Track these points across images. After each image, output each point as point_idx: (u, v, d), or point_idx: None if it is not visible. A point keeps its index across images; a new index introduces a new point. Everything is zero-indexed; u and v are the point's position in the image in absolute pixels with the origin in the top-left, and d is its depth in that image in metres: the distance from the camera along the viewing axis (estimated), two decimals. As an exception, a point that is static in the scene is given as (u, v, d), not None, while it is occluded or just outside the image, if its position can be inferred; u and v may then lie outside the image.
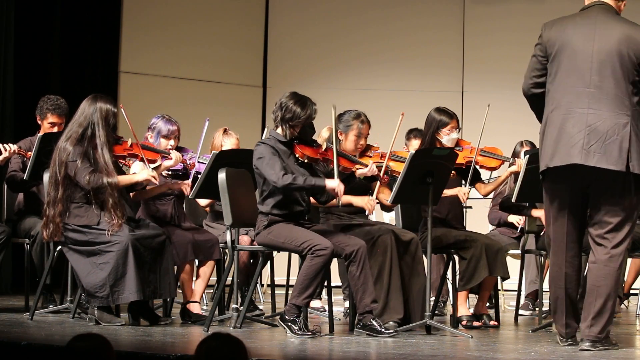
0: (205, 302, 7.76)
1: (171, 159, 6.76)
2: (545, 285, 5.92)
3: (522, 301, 7.84)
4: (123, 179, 6.48)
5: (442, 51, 11.33)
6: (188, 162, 6.93)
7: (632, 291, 8.52)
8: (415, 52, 11.32)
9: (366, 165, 6.36)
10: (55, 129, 7.37)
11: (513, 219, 7.96)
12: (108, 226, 6.31)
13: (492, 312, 7.15)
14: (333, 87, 10.91)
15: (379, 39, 11.35)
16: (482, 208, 8.71)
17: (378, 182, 6.54)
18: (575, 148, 5.47)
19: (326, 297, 6.69)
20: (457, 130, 6.87)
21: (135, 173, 6.67)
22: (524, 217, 7.58)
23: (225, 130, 7.52)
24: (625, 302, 8.43)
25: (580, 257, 5.67)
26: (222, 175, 6.26)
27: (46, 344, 5.33)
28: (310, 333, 5.96)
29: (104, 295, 6.28)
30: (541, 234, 7.13)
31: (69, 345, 3.48)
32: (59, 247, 6.64)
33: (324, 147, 6.27)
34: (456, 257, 6.79)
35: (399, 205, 7.22)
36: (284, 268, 8.36)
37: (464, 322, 6.80)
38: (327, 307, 6.60)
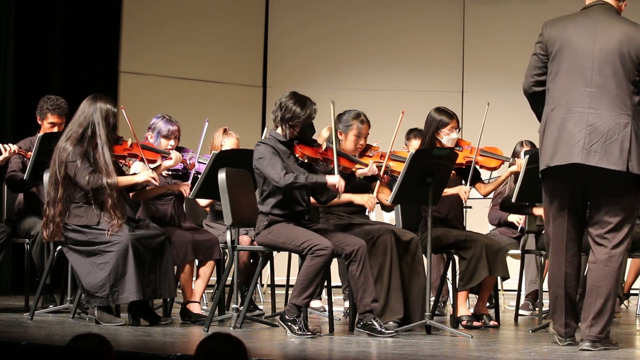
0: (205, 302, 7.76)
1: (171, 159, 6.76)
2: (545, 286, 5.91)
3: (522, 301, 7.83)
4: (123, 180, 6.48)
5: (442, 51, 11.33)
6: (188, 162, 6.93)
7: (632, 291, 8.52)
8: (415, 52, 11.32)
9: (366, 165, 6.35)
10: (55, 129, 7.36)
11: (513, 218, 7.95)
12: (108, 226, 6.31)
13: (492, 312, 7.14)
14: (333, 87, 10.90)
15: (379, 39, 11.34)
16: (482, 208, 8.71)
17: (378, 182, 6.54)
18: (576, 147, 5.46)
19: (326, 297, 6.68)
20: (457, 130, 6.87)
21: (135, 173, 6.67)
22: (524, 216, 7.58)
23: (225, 130, 7.52)
24: (625, 302, 8.43)
25: (580, 257, 5.66)
26: (222, 175, 6.26)
27: (46, 344, 5.33)
28: (310, 333, 5.95)
29: (104, 295, 6.28)
30: (542, 233, 7.12)
31: (69, 345, 3.48)
32: (59, 247, 6.63)
33: (324, 146, 6.27)
34: (456, 257, 6.79)
35: (399, 205, 7.22)
36: (284, 268, 8.35)
37: (464, 322, 6.80)
38: (327, 307, 6.60)
